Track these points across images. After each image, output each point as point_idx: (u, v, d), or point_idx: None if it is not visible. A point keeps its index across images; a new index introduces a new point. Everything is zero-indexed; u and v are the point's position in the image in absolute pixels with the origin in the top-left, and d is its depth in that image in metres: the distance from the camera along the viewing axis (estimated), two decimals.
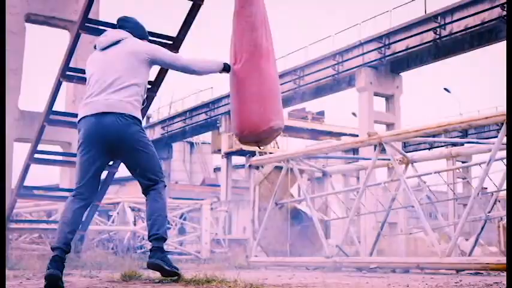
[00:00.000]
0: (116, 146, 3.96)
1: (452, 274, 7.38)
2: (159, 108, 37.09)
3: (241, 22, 4.45)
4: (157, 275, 4.14)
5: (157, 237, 3.94)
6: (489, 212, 8.25)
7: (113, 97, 3.94)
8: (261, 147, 4.57)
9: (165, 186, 4.12)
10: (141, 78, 4.10)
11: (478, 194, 7.45)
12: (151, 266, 3.95)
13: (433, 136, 9.24)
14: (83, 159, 3.98)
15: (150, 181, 4.04)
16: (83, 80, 5.38)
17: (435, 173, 9.18)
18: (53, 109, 6.61)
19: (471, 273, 7.37)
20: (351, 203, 12.71)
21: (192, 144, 45.93)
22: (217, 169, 43.03)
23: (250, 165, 10.94)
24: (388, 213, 9.51)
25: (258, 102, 4.28)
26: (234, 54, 4.46)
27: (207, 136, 40.61)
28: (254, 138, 4.37)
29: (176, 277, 4.00)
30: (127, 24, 4.36)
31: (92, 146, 3.95)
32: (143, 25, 4.47)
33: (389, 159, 8.86)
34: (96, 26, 5.68)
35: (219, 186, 34.98)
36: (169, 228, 17.96)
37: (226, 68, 4.43)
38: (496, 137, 7.74)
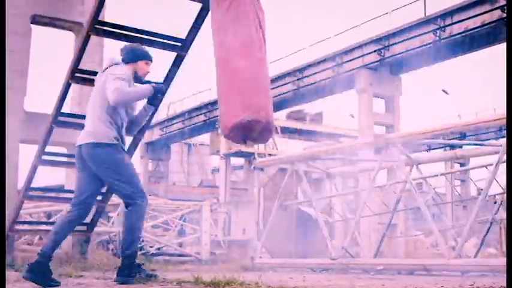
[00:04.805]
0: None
1: (456, 276, 7.38)
2: None
3: (212, 25, 4.49)
4: (174, 277, 4.15)
5: (124, 256, 4.36)
6: (495, 214, 8.27)
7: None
8: (247, 145, 4.56)
9: (143, 201, 4.38)
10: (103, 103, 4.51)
11: (485, 195, 7.47)
12: (119, 283, 4.33)
13: (432, 138, 9.26)
14: None
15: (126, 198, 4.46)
16: (90, 82, 5.39)
17: (441, 174, 9.20)
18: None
19: (475, 275, 7.37)
20: (351, 205, 12.72)
21: (190, 145, 45.84)
22: (215, 170, 42.93)
23: (254, 167, 10.92)
24: (392, 214, 9.53)
25: (225, 101, 4.28)
26: None
27: (204, 137, 40.54)
28: (234, 137, 4.31)
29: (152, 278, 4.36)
30: (121, 53, 4.79)
31: None
32: (132, 48, 4.82)
33: (395, 161, 8.87)
34: (105, 28, 5.65)
35: (217, 187, 34.92)
36: (169, 229, 17.95)
37: (155, 92, 4.68)
38: (495, 138, 7.77)
